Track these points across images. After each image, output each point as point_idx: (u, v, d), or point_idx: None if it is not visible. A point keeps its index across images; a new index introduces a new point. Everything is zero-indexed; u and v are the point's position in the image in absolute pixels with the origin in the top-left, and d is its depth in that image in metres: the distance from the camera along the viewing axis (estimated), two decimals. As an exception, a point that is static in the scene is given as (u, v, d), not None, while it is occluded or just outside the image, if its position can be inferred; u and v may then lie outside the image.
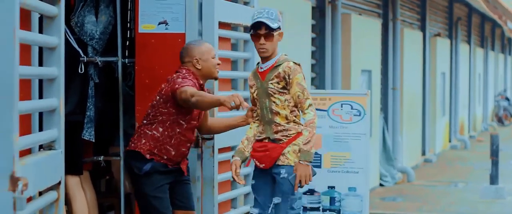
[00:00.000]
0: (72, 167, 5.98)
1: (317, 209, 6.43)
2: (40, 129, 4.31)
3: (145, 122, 5.66)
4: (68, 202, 6.15)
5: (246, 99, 5.83)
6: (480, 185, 12.63)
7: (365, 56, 12.68)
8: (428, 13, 17.26)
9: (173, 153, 5.64)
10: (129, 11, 6.47)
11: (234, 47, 6.80)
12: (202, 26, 6.03)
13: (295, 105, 5.46)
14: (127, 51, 6.41)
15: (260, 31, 5.43)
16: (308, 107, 5.43)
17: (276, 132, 5.46)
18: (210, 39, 5.98)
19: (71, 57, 6.04)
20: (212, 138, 6.05)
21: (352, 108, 6.40)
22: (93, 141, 6.27)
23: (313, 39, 11.02)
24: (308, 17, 10.58)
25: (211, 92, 5.83)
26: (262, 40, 5.44)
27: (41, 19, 4.29)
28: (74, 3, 6.24)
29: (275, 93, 5.44)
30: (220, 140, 6.13)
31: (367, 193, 6.44)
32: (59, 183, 4.29)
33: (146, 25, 6.11)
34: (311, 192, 6.41)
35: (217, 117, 6.07)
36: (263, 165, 5.50)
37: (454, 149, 20.06)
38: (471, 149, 20.07)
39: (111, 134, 6.53)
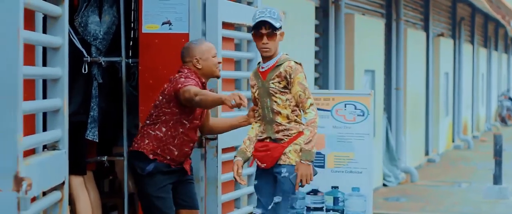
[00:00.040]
0: (75, 167, 5.98)
1: (321, 209, 6.42)
2: (44, 129, 4.31)
3: (148, 122, 5.66)
4: (71, 202, 6.16)
5: (248, 100, 5.83)
6: (483, 185, 12.62)
7: (368, 56, 12.67)
8: (431, 13, 17.25)
9: (176, 153, 5.64)
10: (132, 11, 6.46)
11: (237, 47, 6.80)
12: (206, 26, 6.03)
13: (297, 105, 5.45)
14: (130, 51, 6.40)
15: (262, 30, 5.42)
16: (310, 106, 5.42)
17: (278, 132, 5.45)
18: (214, 39, 5.97)
19: (75, 58, 6.04)
20: (216, 138, 6.04)
21: (355, 108, 6.39)
22: (97, 141, 6.27)
23: (316, 39, 11.02)
24: (311, 17, 10.58)
25: (215, 92, 5.82)
26: (265, 40, 5.42)
27: (45, 19, 4.29)
28: (78, 3, 6.25)
29: (276, 93, 5.43)
30: (224, 140, 6.13)
31: (370, 193, 6.43)
32: (63, 183, 4.29)
33: (149, 25, 6.11)
34: (314, 192, 6.40)
35: (220, 117, 6.07)
36: (265, 164, 5.49)
37: (458, 149, 20.05)
38: (475, 149, 20.06)
39: (115, 134, 6.53)
